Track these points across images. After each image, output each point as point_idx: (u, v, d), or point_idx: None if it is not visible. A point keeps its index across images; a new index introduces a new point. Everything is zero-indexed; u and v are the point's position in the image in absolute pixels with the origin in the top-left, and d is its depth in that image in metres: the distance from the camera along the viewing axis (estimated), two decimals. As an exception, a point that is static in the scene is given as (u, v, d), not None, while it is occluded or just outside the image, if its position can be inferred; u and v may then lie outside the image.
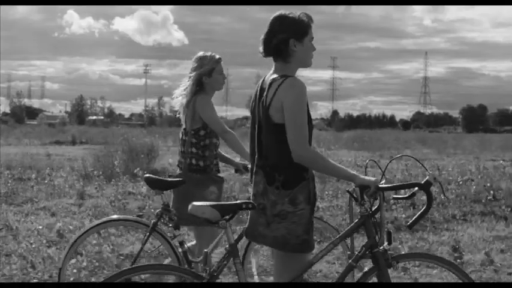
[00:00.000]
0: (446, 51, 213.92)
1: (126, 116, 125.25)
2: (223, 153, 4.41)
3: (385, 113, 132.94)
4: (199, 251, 4.10)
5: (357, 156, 20.27)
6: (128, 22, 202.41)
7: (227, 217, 2.91)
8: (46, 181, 10.53)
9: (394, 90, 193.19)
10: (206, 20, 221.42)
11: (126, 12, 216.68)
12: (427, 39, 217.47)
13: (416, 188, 2.95)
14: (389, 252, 2.94)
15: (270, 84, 2.94)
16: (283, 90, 2.87)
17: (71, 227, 6.72)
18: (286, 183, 2.88)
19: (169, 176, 4.29)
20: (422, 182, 2.87)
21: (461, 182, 10.83)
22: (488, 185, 9.92)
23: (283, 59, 2.96)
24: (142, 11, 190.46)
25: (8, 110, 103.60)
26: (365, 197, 2.90)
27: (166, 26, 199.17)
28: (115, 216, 4.36)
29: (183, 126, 4.24)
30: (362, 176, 2.88)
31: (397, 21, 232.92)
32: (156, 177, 4.12)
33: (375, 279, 2.95)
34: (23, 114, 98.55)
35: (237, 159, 4.52)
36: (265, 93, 2.95)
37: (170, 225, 4.04)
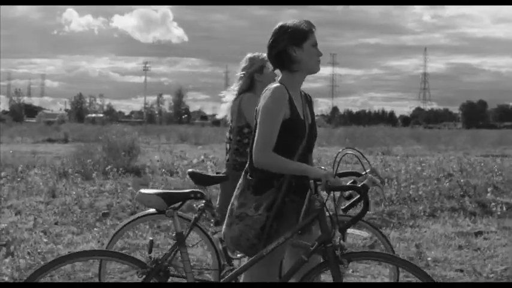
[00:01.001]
0: (446, 47, 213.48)
1: (127, 113, 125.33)
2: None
3: (385, 109, 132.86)
4: None
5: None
6: (127, 19, 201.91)
7: (176, 206, 2.93)
8: (19, 179, 10.50)
9: (394, 87, 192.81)
10: (206, 18, 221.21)
11: (125, 9, 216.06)
12: (427, 35, 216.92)
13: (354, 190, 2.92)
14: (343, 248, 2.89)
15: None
16: (262, 96, 2.97)
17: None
18: (256, 189, 2.93)
19: (217, 173, 4.42)
20: (359, 185, 2.85)
21: (437, 178, 10.78)
22: (462, 180, 9.88)
23: (287, 68, 2.99)
24: (142, 8, 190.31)
25: (7, 108, 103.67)
26: (319, 190, 2.87)
27: (165, 23, 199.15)
28: (152, 210, 4.34)
29: (230, 125, 4.34)
30: (316, 170, 2.87)
31: (396, 17, 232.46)
32: (200, 172, 4.26)
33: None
34: (22, 113, 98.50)
35: None
36: None
37: (211, 220, 4.14)
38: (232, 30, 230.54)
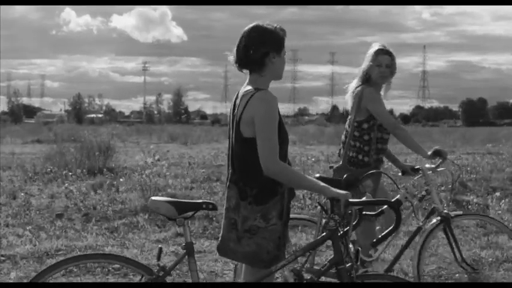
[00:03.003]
0: (446, 44, 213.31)
1: (127, 113, 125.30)
2: (392, 153, 4.42)
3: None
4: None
5: (329, 151, 20.13)
6: (126, 19, 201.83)
7: (188, 215, 2.87)
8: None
9: (394, 85, 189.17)
10: (205, 16, 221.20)
11: (124, 9, 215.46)
12: (427, 32, 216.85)
13: (385, 206, 2.91)
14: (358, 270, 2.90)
15: (242, 97, 2.93)
16: (253, 104, 2.86)
17: None
18: (259, 199, 2.87)
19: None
20: (393, 200, 2.88)
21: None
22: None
23: (259, 72, 2.94)
24: (140, 7, 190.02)
25: (6, 109, 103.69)
26: (335, 210, 2.83)
27: (164, 23, 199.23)
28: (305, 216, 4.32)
29: (349, 117, 4.35)
30: (333, 189, 2.83)
31: (396, 15, 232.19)
32: (327, 177, 4.27)
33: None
34: (20, 113, 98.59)
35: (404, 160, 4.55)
36: (236, 107, 2.94)
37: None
38: (232, 29, 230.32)
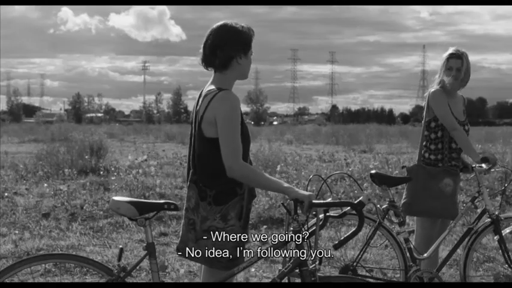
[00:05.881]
0: (446, 44, 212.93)
1: (127, 113, 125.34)
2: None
3: (385, 107, 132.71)
4: (425, 246, 4.34)
5: (324, 150, 20.14)
6: (124, 18, 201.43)
7: (149, 215, 2.86)
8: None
9: (394, 84, 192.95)
10: (204, 16, 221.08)
11: (122, 7, 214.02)
12: (427, 32, 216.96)
13: (348, 208, 2.90)
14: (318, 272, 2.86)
15: (205, 96, 2.91)
16: (216, 104, 2.84)
17: None
18: (218, 199, 2.86)
19: (403, 167, 4.53)
20: (355, 202, 2.84)
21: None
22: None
23: (225, 71, 2.92)
24: (138, 6, 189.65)
25: (6, 108, 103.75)
26: (299, 211, 2.82)
27: (163, 22, 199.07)
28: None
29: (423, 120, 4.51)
30: (297, 190, 2.82)
31: (395, 14, 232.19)
32: (383, 174, 4.35)
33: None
34: (20, 112, 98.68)
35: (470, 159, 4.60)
36: (199, 106, 2.92)
37: (395, 221, 4.23)
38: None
